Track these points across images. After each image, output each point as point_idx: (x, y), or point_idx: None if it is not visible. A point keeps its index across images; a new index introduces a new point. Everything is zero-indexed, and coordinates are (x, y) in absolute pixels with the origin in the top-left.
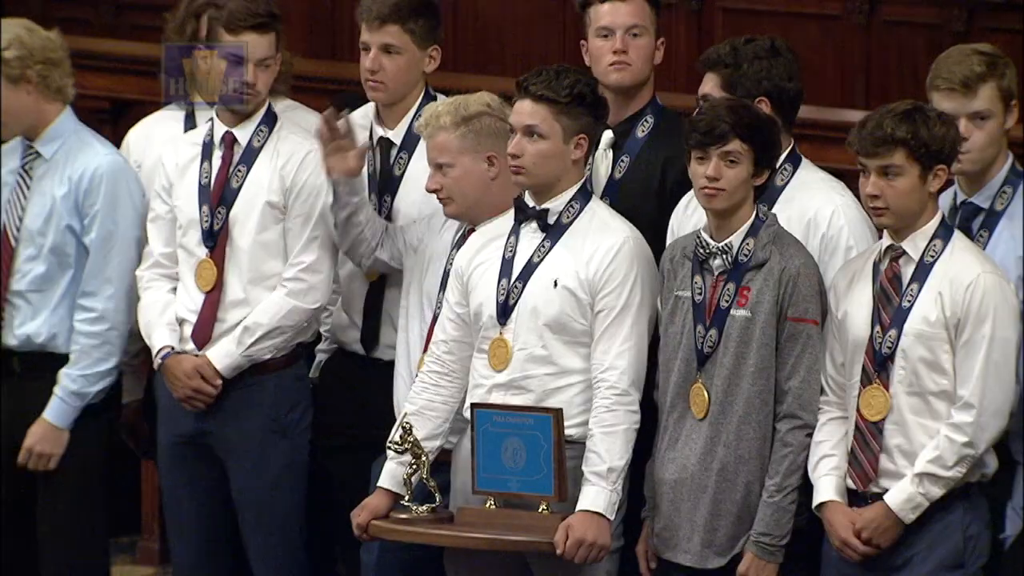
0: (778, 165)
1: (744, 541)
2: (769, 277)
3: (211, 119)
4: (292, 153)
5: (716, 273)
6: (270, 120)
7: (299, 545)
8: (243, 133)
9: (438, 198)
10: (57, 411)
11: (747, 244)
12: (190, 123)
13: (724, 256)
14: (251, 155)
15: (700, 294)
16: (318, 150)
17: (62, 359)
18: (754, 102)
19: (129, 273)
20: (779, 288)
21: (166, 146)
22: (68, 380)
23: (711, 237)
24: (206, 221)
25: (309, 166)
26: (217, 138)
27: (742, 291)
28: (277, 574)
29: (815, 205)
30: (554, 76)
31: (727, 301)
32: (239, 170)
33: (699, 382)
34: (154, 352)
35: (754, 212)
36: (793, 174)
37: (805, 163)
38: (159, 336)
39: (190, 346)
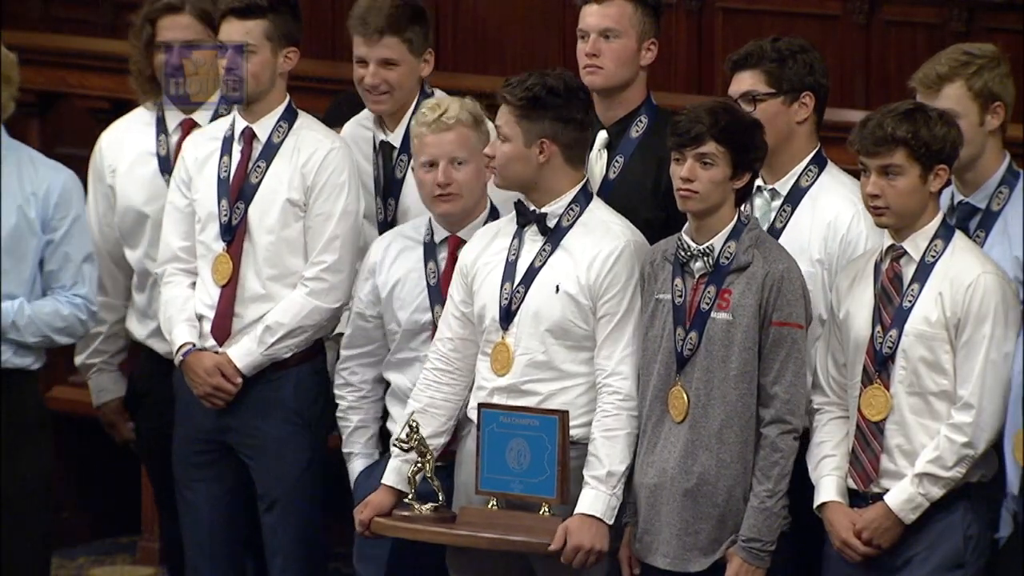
0: (803, 167)
1: (726, 545)
2: (752, 281)
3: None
4: (314, 150)
5: (697, 276)
6: (290, 116)
7: (318, 541)
8: (262, 128)
9: (442, 193)
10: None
11: (728, 247)
12: (161, 127)
13: (705, 259)
14: (271, 151)
15: (680, 296)
16: (340, 147)
17: (14, 374)
18: (800, 97)
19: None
20: (762, 292)
21: (186, 140)
22: (36, 317)
23: (692, 239)
24: (224, 215)
25: (331, 164)
26: (237, 132)
27: (723, 294)
28: (295, 569)
29: (836, 208)
30: (523, 79)
31: (707, 304)
32: (258, 166)
33: (678, 385)
34: (174, 349)
35: (736, 215)
36: (818, 176)
37: (830, 166)
38: (180, 333)
39: (211, 342)
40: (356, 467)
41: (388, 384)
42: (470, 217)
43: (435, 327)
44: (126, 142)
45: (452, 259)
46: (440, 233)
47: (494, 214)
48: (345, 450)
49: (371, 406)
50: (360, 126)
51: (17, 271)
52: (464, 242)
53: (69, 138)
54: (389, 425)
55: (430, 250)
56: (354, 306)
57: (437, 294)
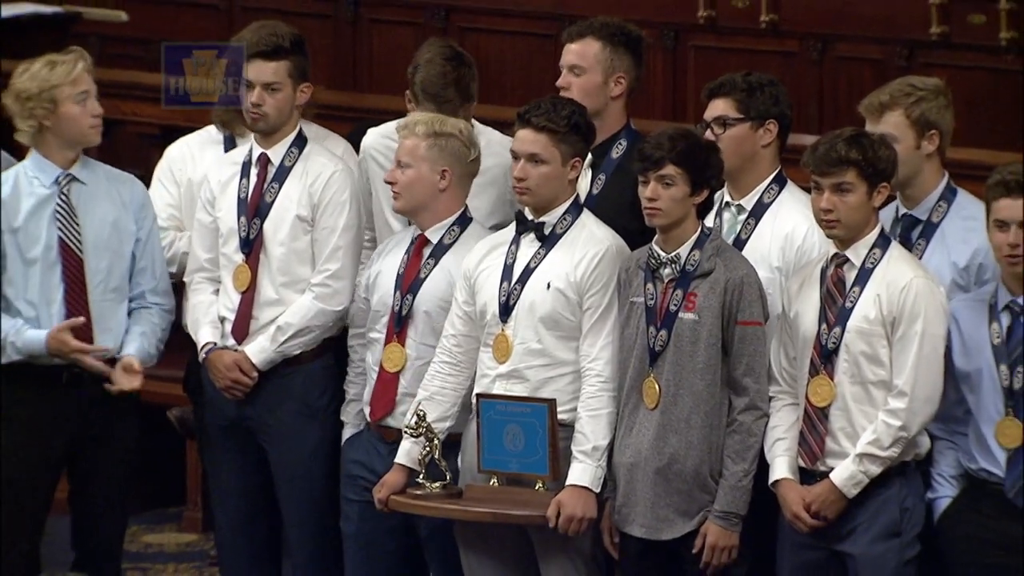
0: (766, 185)
1: (699, 518)
2: (715, 285)
3: (249, 142)
4: (320, 173)
5: (666, 280)
6: (300, 143)
7: (330, 515)
8: (276, 154)
9: (392, 190)
10: (142, 352)
11: (693, 255)
12: (230, 145)
13: (673, 265)
14: (283, 173)
15: (652, 299)
16: (343, 169)
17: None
18: (764, 123)
19: None
20: (725, 295)
21: (211, 164)
22: (155, 339)
23: (661, 249)
24: (243, 230)
25: (334, 184)
26: (254, 158)
27: (689, 296)
28: (310, 541)
29: (794, 222)
30: (552, 107)
31: (675, 305)
32: (272, 187)
33: (651, 376)
34: (199, 347)
35: (699, 227)
36: (779, 193)
37: (790, 185)
38: (204, 333)
39: (231, 341)
40: (344, 435)
41: None
42: (433, 220)
43: (392, 311)
44: (198, 158)
45: (417, 255)
46: (416, 232)
47: (463, 221)
48: (342, 417)
49: (364, 382)
50: (385, 137)
51: (120, 269)
52: (429, 241)
53: (124, 159)
54: None
55: (407, 247)
56: (357, 291)
57: (400, 283)
